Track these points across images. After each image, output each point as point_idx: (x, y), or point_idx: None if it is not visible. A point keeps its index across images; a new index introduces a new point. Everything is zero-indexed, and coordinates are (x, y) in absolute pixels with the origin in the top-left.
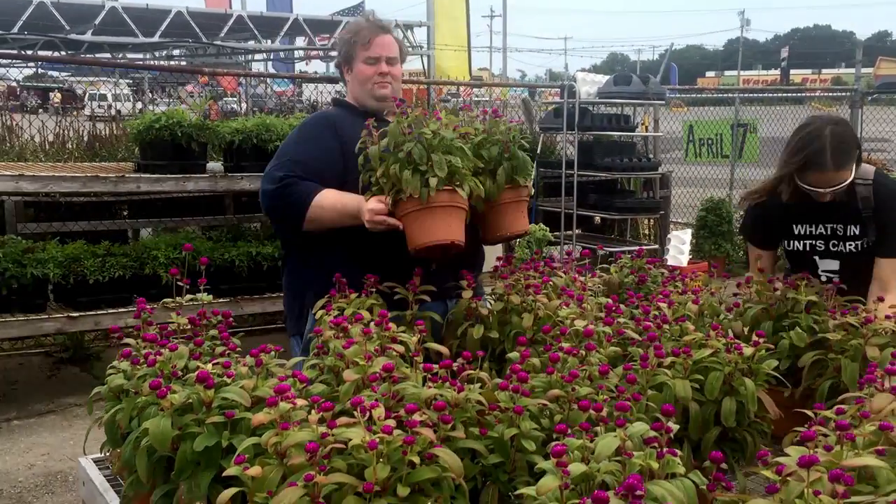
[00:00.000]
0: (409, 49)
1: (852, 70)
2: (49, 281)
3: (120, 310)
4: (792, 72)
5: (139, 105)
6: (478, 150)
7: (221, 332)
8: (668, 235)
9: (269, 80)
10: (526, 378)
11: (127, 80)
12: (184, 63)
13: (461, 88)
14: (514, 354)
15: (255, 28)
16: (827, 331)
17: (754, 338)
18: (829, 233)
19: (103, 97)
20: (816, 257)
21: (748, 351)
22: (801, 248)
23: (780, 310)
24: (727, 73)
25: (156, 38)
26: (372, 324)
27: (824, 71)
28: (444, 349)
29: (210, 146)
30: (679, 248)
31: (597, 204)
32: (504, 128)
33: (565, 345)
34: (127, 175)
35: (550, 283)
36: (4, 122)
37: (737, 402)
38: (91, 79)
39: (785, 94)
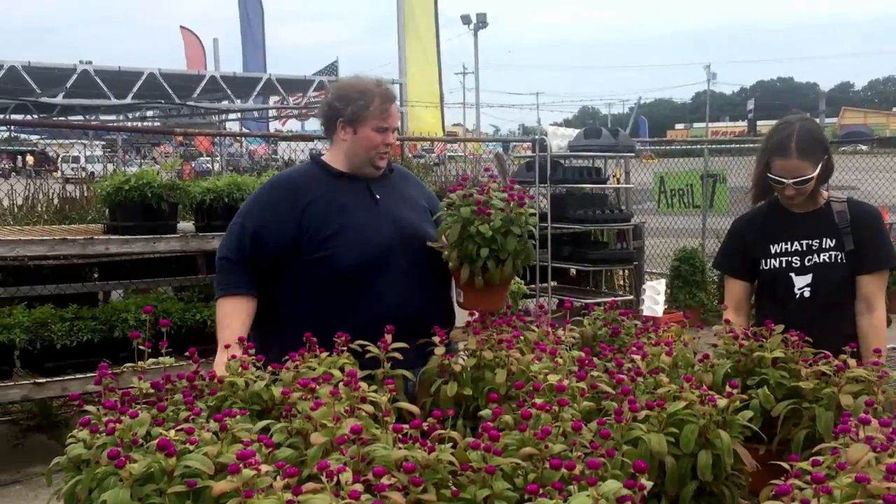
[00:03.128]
0: None
1: (817, 120)
2: (15, 346)
3: (88, 374)
4: (759, 123)
5: (111, 167)
6: (495, 234)
7: (185, 397)
8: (643, 286)
9: (243, 139)
10: (497, 436)
11: (101, 142)
12: (157, 124)
13: (435, 144)
14: (486, 412)
15: (228, 88)
16: (799, 379)
17: (727, 389)
18: (804, 248)
19: (76, 159)
20: (792, 274)
21: (722, 402)
22: (777, 265)
23: (748, 366)
24: (696, 125)
25: (128, 100)
26: (341, 384)
27: None
28: (414, 408)
29: (181, 206)
30: (654, 298)
31: (571, 256)
32: (523, 218)
33: (538, 400)
34: (96, 237)
35: (523, 337)
36: None
37: (713, 455)
38: (62, 141)
39: (752, 145)
